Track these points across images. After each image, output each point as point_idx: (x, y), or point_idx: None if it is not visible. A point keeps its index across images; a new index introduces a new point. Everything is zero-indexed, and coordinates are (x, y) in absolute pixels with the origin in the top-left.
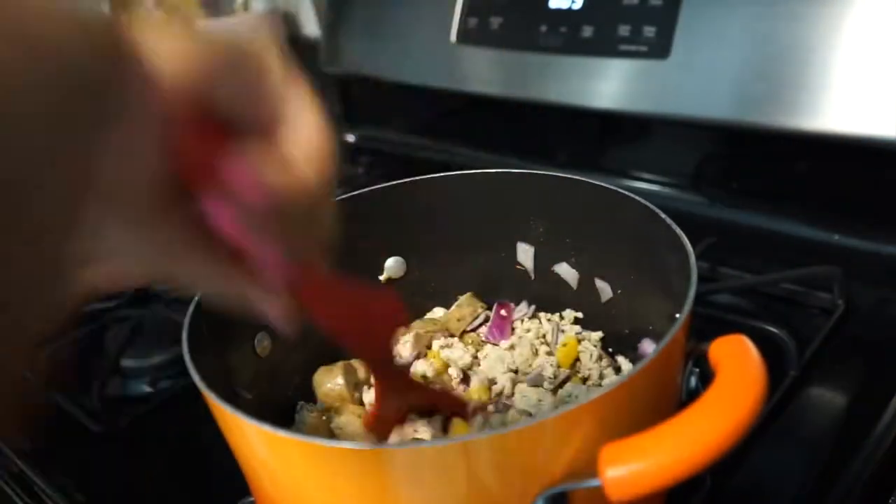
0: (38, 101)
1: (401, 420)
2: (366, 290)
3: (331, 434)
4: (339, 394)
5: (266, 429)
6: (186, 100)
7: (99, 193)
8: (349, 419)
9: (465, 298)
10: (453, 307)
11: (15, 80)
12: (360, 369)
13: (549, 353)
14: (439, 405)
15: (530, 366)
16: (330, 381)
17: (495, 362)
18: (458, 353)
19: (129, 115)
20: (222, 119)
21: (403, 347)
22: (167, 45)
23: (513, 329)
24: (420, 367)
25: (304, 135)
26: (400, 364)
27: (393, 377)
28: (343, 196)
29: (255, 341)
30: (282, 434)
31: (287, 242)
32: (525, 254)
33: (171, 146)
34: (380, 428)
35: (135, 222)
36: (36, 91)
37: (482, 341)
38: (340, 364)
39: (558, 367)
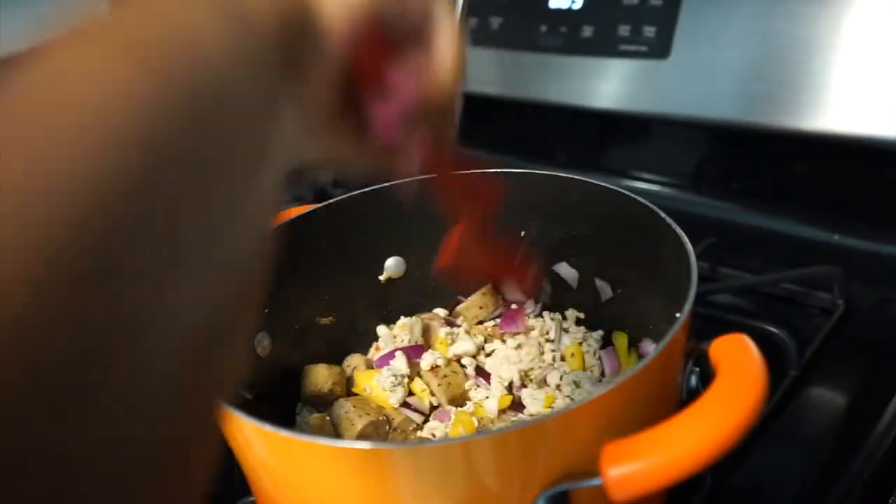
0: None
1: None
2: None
3: (333, 434)
4: (328, 389)
5: (266, 428)
6: (357, 30)
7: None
8: (336, 413)
9: (487, 288)
10: (475, 294)
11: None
12: (347, 369)
13: (554, 352)
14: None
15: (539, 365)
16: (313, 381)
17: (502, 361)
18: (465, 346)
19: (317, 58)
20: (385, 35)
21: (402, 332)
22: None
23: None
24: (428, 359)
25: (444, 47)
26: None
27: (478, 238)
28: (343, 196)
29: (255, 341)
30: (282, 434)
31: (428, 132)
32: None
33: (348, 65)
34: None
35: (316, 130)
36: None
37: (489, 335)
38: (323, 365)
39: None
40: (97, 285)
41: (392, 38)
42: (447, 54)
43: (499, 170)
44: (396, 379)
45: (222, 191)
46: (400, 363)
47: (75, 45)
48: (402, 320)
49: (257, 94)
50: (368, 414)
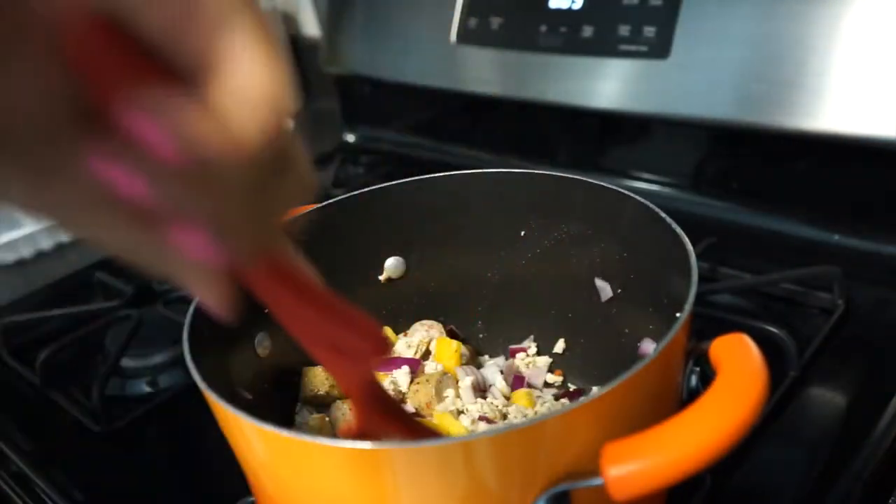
0: None
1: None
2: (339, 306)
3: (333, 434)
4: (325, 391)
5: (266, 428)
6: (94, 7)
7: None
8: (335, 416)
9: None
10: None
11: None
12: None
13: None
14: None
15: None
16: (312, 383)
17: (493, 368)
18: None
19: (20, 25)
20: (139, 42)
21: (406, 351)
22: None
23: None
24: (430, 368)
25: (244, 77)
26: (379, 389)
27: (370, 402)
28: (343, 196)
29: (256, 341)
30: (282, 434)
31: (220, 219)
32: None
33: (74, 64)
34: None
35: (30, 162)
36: None
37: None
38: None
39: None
40: None
41: (153, 46)
42: (250, 85)
43: (499, 170)
44: (393, 388)
45: None
46: (402, 376)
47: None
48: (419, 333)
49: None
50: None
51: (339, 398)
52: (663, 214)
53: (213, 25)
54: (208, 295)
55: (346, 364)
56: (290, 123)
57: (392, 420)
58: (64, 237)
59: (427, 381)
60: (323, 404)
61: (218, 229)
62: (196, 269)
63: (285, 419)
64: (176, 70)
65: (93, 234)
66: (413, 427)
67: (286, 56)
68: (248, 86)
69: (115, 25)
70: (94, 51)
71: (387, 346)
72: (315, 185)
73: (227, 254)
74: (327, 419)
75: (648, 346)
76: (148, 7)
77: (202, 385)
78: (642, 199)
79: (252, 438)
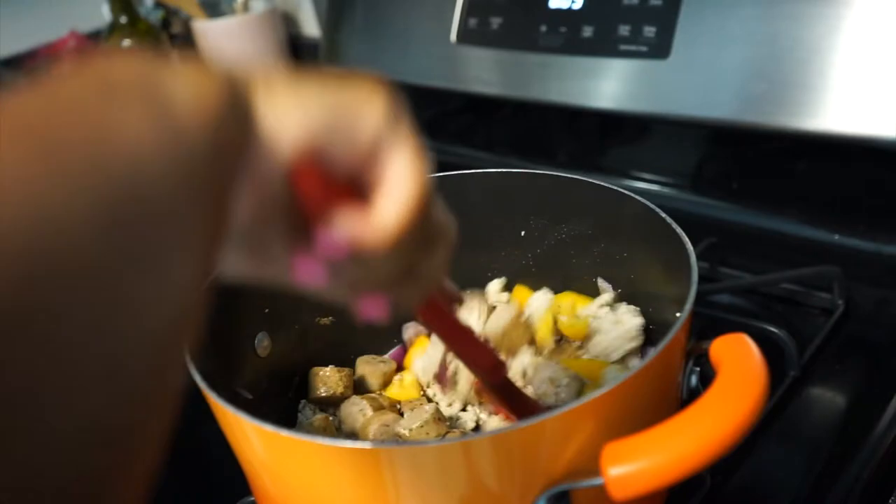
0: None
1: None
2: (472, 335)
3: (337, 434)
4: (341, 392)
5: (267, 428)
6: (299, 155)
7: (232, 230)
8: (348, 412)
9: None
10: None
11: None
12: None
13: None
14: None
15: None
16: (325, 384)
17: None
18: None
19: (250, 170)
20: (329, 172)
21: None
22: (280, 109)
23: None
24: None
25: (394, 192)
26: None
27: (500, 392)
28: None
29: (256, 341)
30: (282, 433)
31: (384, 287)
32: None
33: (290, 194)
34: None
35: (256, 254)
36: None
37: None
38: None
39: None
40: None
41: (337, 177)
42: (399, 192)
43: (499, 170)
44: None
45: (121, 305)
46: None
47: None
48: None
49: (178, 207)
50: (383, 408)
51: (340, 401)
52: (663, 214)
53: (375, 147)
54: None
55: (481, 372)
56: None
57: (517, 401)
58: None
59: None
60: (329, 404)
61: (384, 294)
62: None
63: (285, 419)
64: (353, 183)
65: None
66: (532, 405)
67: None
68: (400, 188)
69: (322, 166)
70: (304, 179)
71: (504, 367)
72: (456, 232)
73: (393, 310)
74: (331, 419)
75: (648, 347)
76: (332, 141)
77: (203, 385)
78: (642, 199)
79: (252, 438)
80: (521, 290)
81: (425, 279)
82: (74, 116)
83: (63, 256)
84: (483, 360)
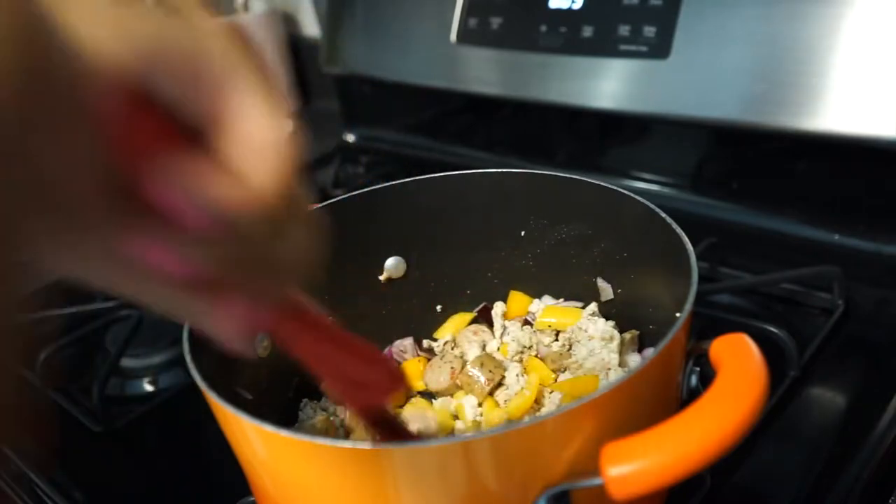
0: None
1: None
2: (360, 348)
3: (339, 434)
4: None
5: (267, 428)
6: (121, 86)
7: (37, 197)
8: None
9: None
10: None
11: None
12: None
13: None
14: None
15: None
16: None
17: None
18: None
19: (60, 107)
20: (166, 115)
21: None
22: (93, 26)
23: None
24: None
25: (251, 131)
26: (393, 418)
27: (379, 422)
28: (343, 196)
29: (255, 341)
30: (282, 433)
31: (250, 280)
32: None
33: (107, 137)
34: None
35: (74, 231)
36: None
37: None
38: None
39: None
40: None
41: (176, 117)
42: (258, 140)
43: (499, 170)
44: None
45: None
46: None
47: None
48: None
49: None
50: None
51: None
52: (663, 214)
53: (218, 84)
54: (232, 341)
55: (365, 397)
56: (296, 176)
57: (395, 433)
58: None
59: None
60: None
61: (248, 283)
62: (225, 323)
63: (285, 419)
64: (192, 132)
65: (124, 294)
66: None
67: (288, 102)
68: (254, 137)
69: (140, 95)
70: (124, 120)
71: (403, 379)
72: (321, 235)
73: (255, 306)
74: (332, 419)
75: (649, 352)
76: (164, 75)
77: (202, 385)
78: (642, 199)
79: (252, 438)
80: (517, 297)
81: (284, 272)
82: None
83: None
84: (373, 378)
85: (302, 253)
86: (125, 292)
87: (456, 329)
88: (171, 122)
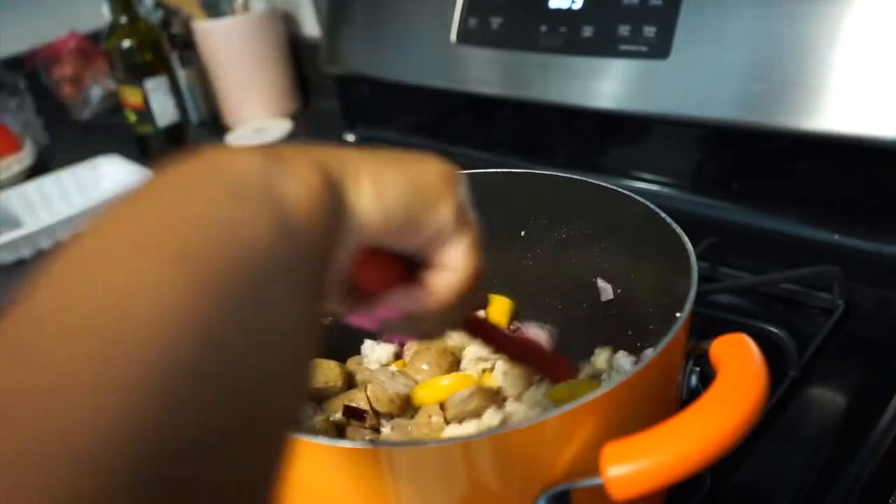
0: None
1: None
2: (531, 344)
3: (337, 436)
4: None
5: None
6: (373, 240)
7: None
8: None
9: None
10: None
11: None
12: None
13: None
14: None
15: None
16: (325, 376)
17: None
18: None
19: (341, 239)
20: (392, 252)
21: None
22: (365, 201)
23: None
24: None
25: (453, 274)
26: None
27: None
28: None
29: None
30: None
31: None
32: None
33: (353, 268)
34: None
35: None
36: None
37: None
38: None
39: None
40: None
41: (399, 255)
42: (454, 280)
43: (499, 170)
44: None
45: (265, 398)
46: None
47: (104, 245)
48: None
49: (295, 300)
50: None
51: (338, 393)
52: (663, 214)
53: (447, 245)
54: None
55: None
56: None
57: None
58: (64, 237)
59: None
60: (322, 399)
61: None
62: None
63: None
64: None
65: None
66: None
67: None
68: (458, 270)
69: (380, 252)
70: (365, 265)
71: (571, 371)
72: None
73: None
74: (331, 419)
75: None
76: (408, 244)
77: None
78: (642, 199)
79: None
80: (499, 302)
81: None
82: (206, 224)
83: (211, 370)
84: (545, 362)
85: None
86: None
87: None
88: (393, 261)
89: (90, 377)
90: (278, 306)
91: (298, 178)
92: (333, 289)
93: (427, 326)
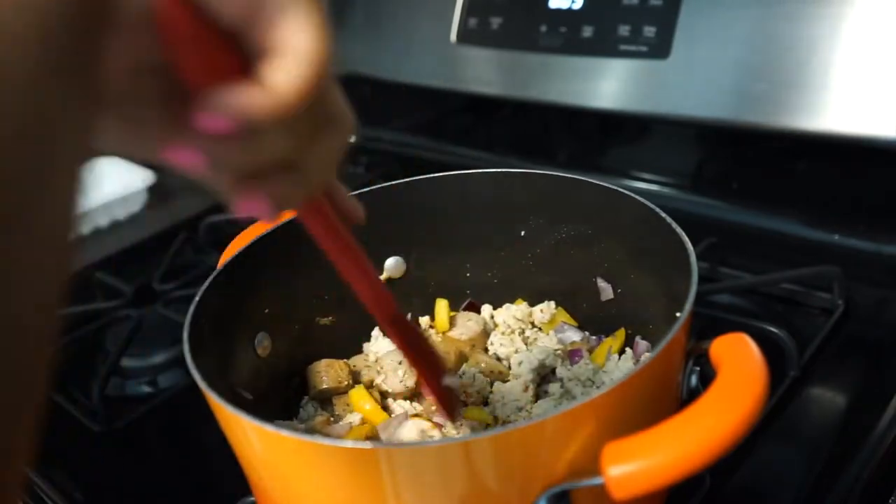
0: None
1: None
2: (356, 256)
3: (339, 435)
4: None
5: (267, 427)
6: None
7: (104, 93)
8: (343, 408)
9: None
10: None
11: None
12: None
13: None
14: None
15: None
16: (333, 376)
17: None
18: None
19: (116, 14)
20: (213, 26)
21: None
22: None
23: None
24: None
25: (294, 45)
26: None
27: (394, 325)
28: None
29: (255, 341)
30: (282, 433)
31: (262, 179)
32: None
33: (162, 41)
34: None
35: (122, 124)
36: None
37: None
38: (341, 361)
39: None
40: None
41: (215, 24)
42: (294, 64)
43: (499, 170)
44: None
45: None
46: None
47: None
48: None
49: (46, 66)
50: None
51: (342, 392)
52: (663, 214)
53: (274, 14)
54: (258, 216)
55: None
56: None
57: (414, 343)
58: None
59: None
60: (329, 400)
61: (265, 186)
62: (247, 206)
63: (285, 419)
64: (238, 45)
65: (168, 164)
66: (430, 350)
67: (328, 23)
68: (297, 53)
69: (196, 10)
70: (178, 30)
71: (393, 303)
72: (354, 125)
73: (274, 207)
74: (332, 418)
75: (640, 345)
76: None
77: (202, 385)
78: (642, 199)
79: (252, 438)
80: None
81: (313, 172)
82: None
83: None
84: (370, 288)
85: (325, 159)
86: (158, 162)
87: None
88: (217, 34)
89: None
90: (17, 75)
91: None
92: (124, 82)
93: (269, 162)
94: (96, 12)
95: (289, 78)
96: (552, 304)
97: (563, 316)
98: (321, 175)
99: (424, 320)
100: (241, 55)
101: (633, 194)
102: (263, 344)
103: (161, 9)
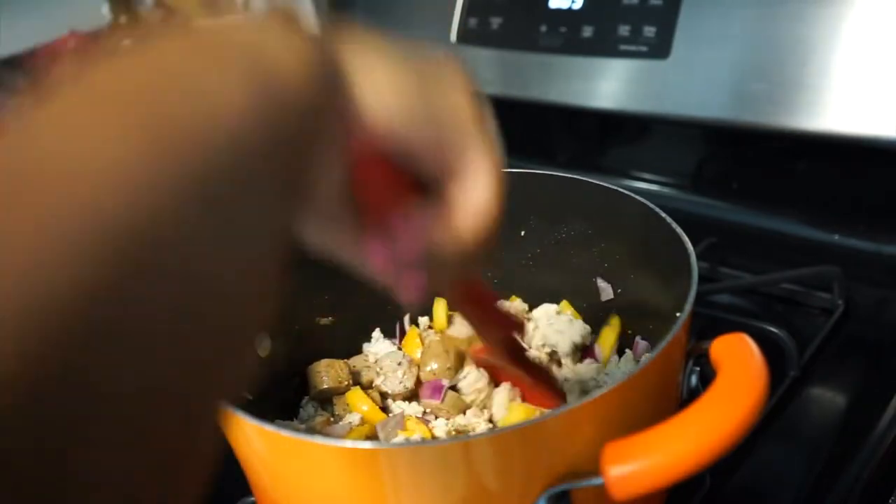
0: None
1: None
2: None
3: (340, 434)
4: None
5: (267, 427)
6: (380, 139)
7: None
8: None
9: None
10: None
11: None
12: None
13: None
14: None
15: None
16: (334, 376)
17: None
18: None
19: (327, 133)
20: (404, 168)
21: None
22: (373, 82)
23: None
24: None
25: (475, 194)
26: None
27: (510, 351)
28: None
29: (256, 341)
30: (282, 433)
31: (431, 280)
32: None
33: (355, 176)
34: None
35: (320, 221)
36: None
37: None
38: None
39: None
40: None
41: (412, 175)
42: (478, 204)
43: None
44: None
45: (216, 281)
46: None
47: (63, 105)
48: None
49: (272, 177)
50: None
51: (342, 393)
52: (663, 214)
53: (455, 150)
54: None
55: (499, 333)
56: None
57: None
58: None
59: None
60: (329, 400)
61: (430, 281)
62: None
63: (285, 419)
64: (425, 180)
65: (346, 259)
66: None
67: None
68: (476, 201)
69: (386, 159)
70: (368, 171)
71: (523, 325)
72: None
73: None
74: (332, 418)
75: (640, 345)
76: (416, 152)
77: None
78: (642, 199)
79: (252, 438)
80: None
81: (463, 272)
82: (179, 88)
83: (160, 235)
84: (504, 326)
85: (477, 264)
86: (342, 259)
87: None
88: (406, 173)
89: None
90: (249, 184)
91: (287, 44)
92: (327, 196)
93: (447, 273)
94: (319, 131)
95: (476, 218)
96: (553, 306)
97: (568, 308)
98: (476, 266)
99: (424, 320)
100: (413, 182)
101: (633, 194)
102: (263, 344)
103: (361, 161)
